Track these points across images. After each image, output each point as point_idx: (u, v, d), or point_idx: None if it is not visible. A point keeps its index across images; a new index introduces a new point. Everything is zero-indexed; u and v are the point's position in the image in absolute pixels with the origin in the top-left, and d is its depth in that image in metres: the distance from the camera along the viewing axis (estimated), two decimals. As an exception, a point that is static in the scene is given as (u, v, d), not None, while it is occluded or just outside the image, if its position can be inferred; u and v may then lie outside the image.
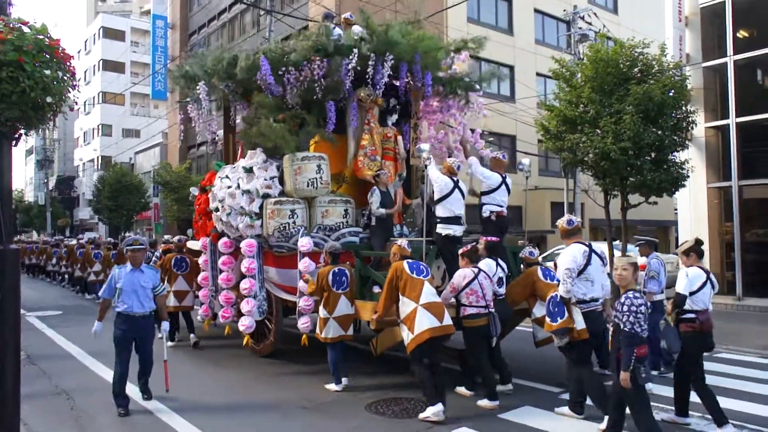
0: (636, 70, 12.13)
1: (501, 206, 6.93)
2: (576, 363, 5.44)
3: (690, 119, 12.12)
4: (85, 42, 52.34)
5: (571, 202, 19.78)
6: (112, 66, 48.54)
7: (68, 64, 4.53)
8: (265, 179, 7.52)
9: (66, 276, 19.39)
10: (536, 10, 26.76)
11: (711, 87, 15.25)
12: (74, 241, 21.23)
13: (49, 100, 4.42)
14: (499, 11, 25.81)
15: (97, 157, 48.32)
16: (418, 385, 5.64)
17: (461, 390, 6.26)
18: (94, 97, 48.81)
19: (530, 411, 5.66)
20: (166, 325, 6.32)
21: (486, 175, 6.99)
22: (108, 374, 7.17)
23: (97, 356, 8.19)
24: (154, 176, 32.38)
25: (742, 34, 14.79)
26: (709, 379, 6.56)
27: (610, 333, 4.55)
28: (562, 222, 5.69)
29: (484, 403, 5.80)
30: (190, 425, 5.30)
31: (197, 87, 8.23)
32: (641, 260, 6.86)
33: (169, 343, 6.59)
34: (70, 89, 4.59)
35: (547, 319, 5.42)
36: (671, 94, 11.74)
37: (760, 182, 13.95)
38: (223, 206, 7.80)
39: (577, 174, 18.28)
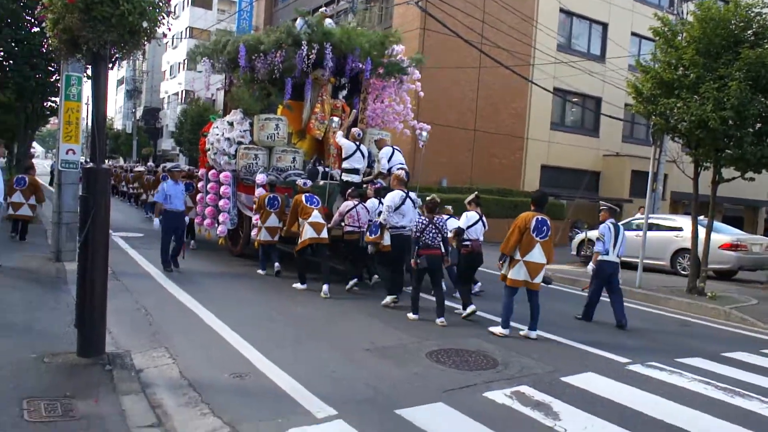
0: (750, 32, 11.04)
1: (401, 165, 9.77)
2: (379, 264, 8.79)
3: (806, 90, 10.97)
4: (176, -23, 53.41)
5: (656, 171, 18.72)
6: (200, 2, 49.42)
7: (164, -11, 4.59)
8: (240, 131, 10.46)
9: (131, 197, 23.37)
10: (639, -35, 24.88)
11: (833, 56, 13.75)
12: (142, 167, 25.24)
13: (144, 25, 4.51)
14: (598, -35, 24.23)
15: (182, 91, 49.96)
16: (299, 269, 8.73)
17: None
18: (181, 32, 50.07)
19: (592, 377, 5.53)
20: (187, 219, 10.32)
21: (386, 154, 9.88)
22: (183, 295, 7.70)
23: (173, 278, 8.66)
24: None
25: None
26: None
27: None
28: (400, 173, 8.58)
29: (349, 285, 8.70)
30: (259, 354, 5.52)
31: (203, 61, 11.60)
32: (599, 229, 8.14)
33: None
34: (165, 15, 4.66)
35: (367, 234, 8.47)
36: (788, 61, 10.63)
37: None
38: (212, 148, 10.78)
39: (666, 142, 17.20)
